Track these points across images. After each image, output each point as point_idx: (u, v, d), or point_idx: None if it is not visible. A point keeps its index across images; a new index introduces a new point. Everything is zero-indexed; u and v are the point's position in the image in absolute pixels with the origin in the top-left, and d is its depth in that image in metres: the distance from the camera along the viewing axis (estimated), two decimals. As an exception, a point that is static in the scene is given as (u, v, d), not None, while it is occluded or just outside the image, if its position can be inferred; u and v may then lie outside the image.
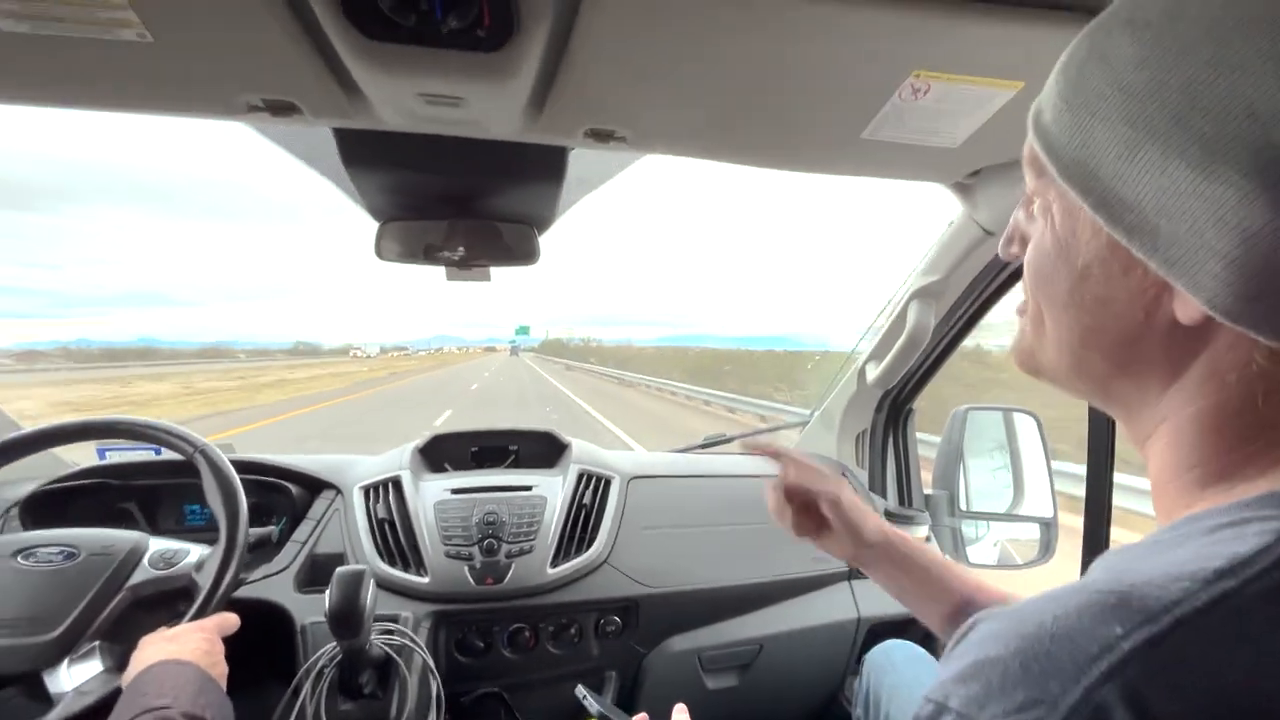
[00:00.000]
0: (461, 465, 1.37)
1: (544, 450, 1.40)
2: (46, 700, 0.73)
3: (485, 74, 0.66)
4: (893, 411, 1.48)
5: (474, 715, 1.09)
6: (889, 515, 1.34)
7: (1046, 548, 1.20)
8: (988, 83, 0.67)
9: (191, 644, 0.68)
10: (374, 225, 1.02)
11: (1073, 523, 1.08)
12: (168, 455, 1.10)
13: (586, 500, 1.21)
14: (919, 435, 1.53)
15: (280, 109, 0.74)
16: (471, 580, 1.05)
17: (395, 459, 1.27)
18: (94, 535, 0.82)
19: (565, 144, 0.87)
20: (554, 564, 1.10)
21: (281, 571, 1.04)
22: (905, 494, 1.47)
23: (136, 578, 0.80)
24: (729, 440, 1.75)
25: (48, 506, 1.09)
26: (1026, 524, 1.29)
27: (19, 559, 0.78)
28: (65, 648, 0.74)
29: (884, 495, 1.47)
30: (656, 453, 1.62)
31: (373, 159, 0.90)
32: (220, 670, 0.69)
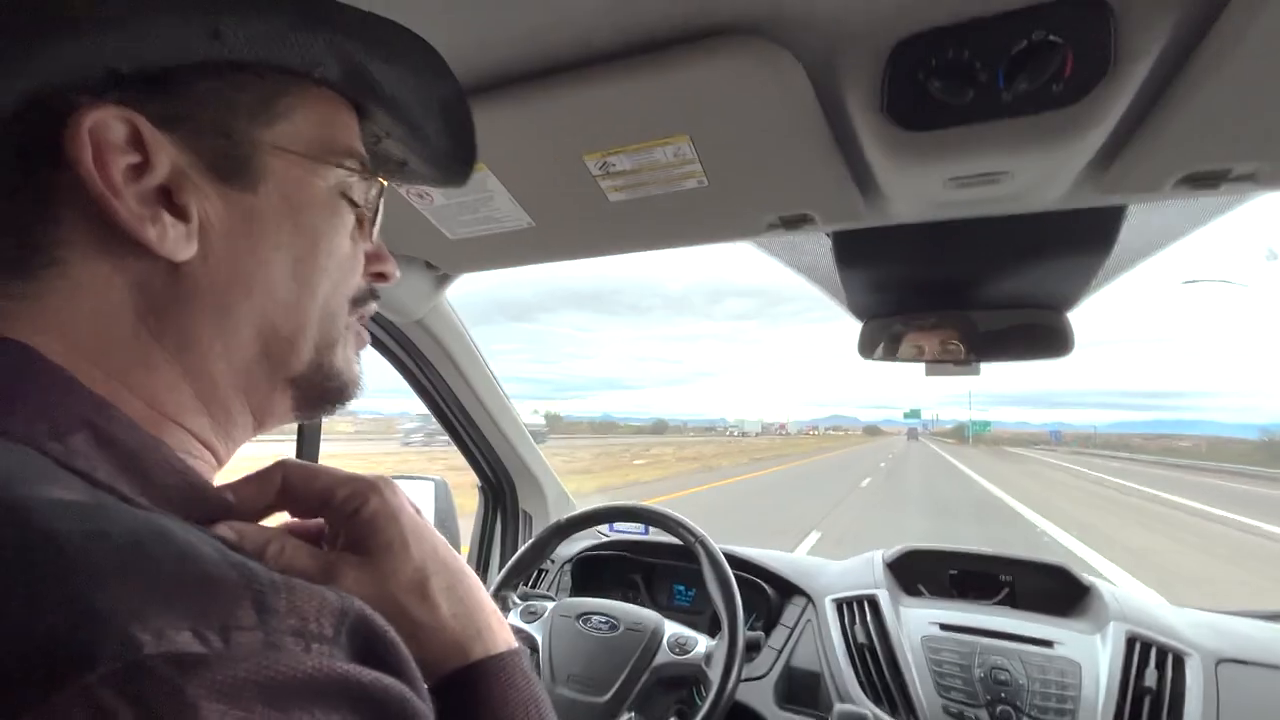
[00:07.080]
0: (937, 590, 1.16)
1: (1052, 589, 1.08)
2: None
3: (1049, 135, 0.55)
4: None
5: None
6: None
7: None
8: None
9: None
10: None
11: None
12: (655, 535, 1.27)
13: (1150, 683, 0.85)
14: None
15: (794, 222, 0.77)
16: (983, 756, 0.83)
17: (864, 571, 1.15)
18: (627, 610, 0.95)
19: (1136, 199, 0.67)
20: (1108, 770, 0.79)
21: (762, 678, 1.02)
22: None
23: (659, 659, 0.88)
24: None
25: (586, 566, 1.36)
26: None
27: (579, 622, 0.94)
28: (612, 712, 0.84)
29: None
30: (1235, 617, 1.08)
31: (867, 257, 0.86)
32: None
